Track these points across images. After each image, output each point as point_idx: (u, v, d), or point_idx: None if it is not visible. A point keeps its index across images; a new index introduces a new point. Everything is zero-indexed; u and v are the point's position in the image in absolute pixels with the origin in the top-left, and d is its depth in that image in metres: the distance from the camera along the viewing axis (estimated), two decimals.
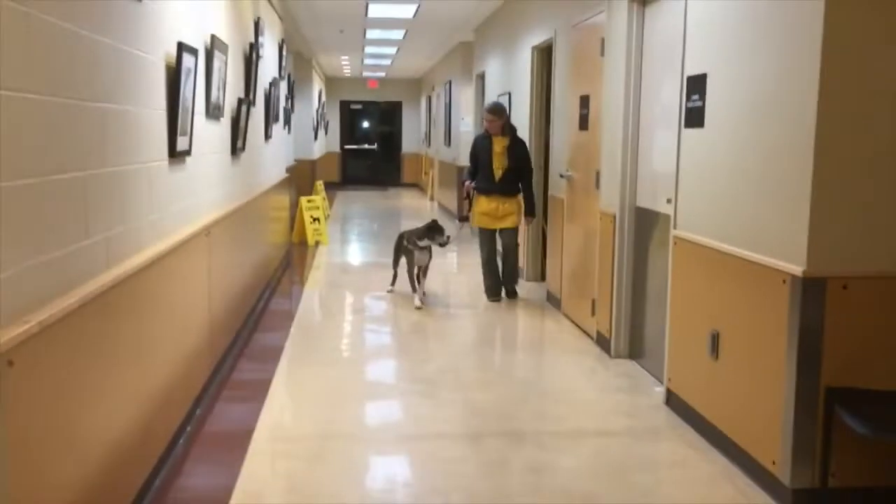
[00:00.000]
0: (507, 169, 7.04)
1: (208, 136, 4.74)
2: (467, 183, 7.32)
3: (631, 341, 5.44)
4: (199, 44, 4.36)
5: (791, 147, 3.24)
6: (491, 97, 10.98)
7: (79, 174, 2.58)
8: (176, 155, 3.84)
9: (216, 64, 4.70)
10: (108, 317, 2.76)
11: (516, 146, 7.14)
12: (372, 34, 13.10)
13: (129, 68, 3.16)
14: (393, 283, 7.52)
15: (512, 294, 7.36)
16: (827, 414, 3.16)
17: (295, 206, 11.42)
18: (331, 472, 3.66)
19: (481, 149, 7.22)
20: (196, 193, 4.42)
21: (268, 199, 7.82)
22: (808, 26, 3.12)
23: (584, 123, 6.23)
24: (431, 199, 18.69)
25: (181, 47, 3.76)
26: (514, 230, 7.22)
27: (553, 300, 7.15)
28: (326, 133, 21.89)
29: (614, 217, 5.42)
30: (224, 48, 5.02)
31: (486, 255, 7.27)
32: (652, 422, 4.33)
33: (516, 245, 7.33)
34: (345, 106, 23.50)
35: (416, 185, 22.73)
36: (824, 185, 3.11)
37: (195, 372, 4.21)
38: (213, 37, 4.63)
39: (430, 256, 7.08)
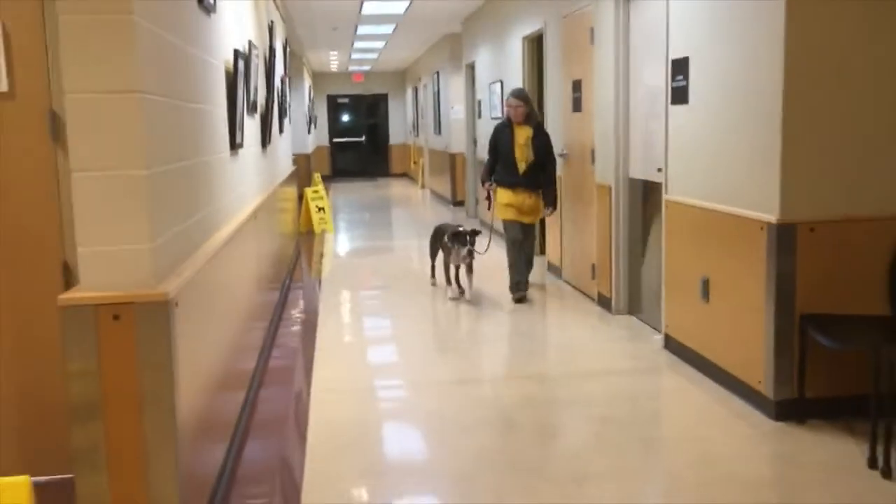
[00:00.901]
0: (532, 162, 6.50)
1: (249, 131, 5.33)
2: (487, 185, 6.79)
3: (629, 298, 6.09)
4: (243, 48, 4.94)
5: (763, 116, 3.88)
6: (482, 87, 11.59)
7: (187, 163, 3.17)
8: (235, 147, 4.43)
9: (253, 66, 5.28)
10: (214, 278, 3.36)
11: (540, 137, 6.57)
12: (363, 30, 13.64)
13: (205, 73, 3.74)
14: (433, 276, 7.32)
15: (520, 287, 6.80)
16: (801, 337, 3.81)
17: (299, 197, 11.99)
18: (384, 408, 4.28)
19: (502, 138, 6.63)
20: (245, 182, 5.00)
21: (283, 190, 8.40)
22: (774, 13, 3.76)
23: (577, 106, 6.85)
24: (423, 187, 19.27)
25: (236, 53, 4.34)
26: (533, 227, 6.97)
27: (554, 269, 7.79)
28: (315, 127, 22.40)
29: (610, 188, 6.05)
30: (257, 52, 5.60)
31: (511, 245, 6.71)
32: (653, 362, 4.98)
33: (534, 240, 7.12)
34: (332, 100, 24.01)
35: (405, 175, 23.30)
36: (791, 147, 3.75)
37: (256, 332, 4.83)
38: (249, 42, 5.21)
39: (473, 256, 6.58)
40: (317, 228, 11.38)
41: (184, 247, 2.94)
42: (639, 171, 5.80)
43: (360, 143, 24.39)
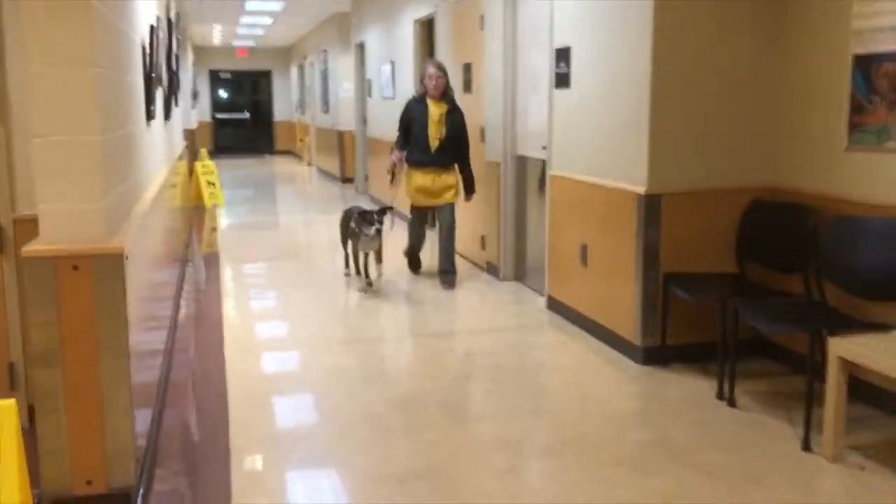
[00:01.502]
0: (445, 139, 6.27)
1: (157, 104, 5.51)
2: (395, 153, 6.51)
3: (515, 266, 6.64)
4: (155, 22, 5.12)
5: (634, 100, 4.45)
6: (372, 67, 11.91)
7: (123, 131, 3.42)
8: (149, 118, 4.65)
9: (160, 40, 5.46)
10: (147, 232, 3.63)
11: (455, 114, 6.36)
12: (251, 6, 13.66)
13: (129, 47, 3.96)
14: (347, 265, 6.81)
15: (448, 280, 6.47)
16: (665, 293, 4.42)
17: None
18: (289, 364, 4.64)
19: (415, 114, 6.36)
20: (154, 153, 5.20)
21: (178, 164, 8.50)
22: (643, 10, 4.32)
23: (467, 87, 7.32)
24: (309, 164, 19.39)
25: (151, 28, 4.55)
26: (453, 207, 6.47)
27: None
28: (198, 102, 22.04)
29: (498, 164, 6.57)
30: (162, 26, 5.77)
31: (414, 238, 6.71)
32: (537, 321, 5.53)
33: (453, 223, 6.50)
34: (214, 75, 23.63)
35: (290, 153, 23.27)
36: (657, 127, 4.33)
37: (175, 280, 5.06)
38: (157, 17, 5.38)
39: (380, 242, 6.23)
40: (207, 203, 11.44)
41: (123, 209, 3.20)
42: (525, 149, 6.34)
43: (244, 119, 24.15)
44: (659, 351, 4.47)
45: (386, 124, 11.17)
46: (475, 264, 7.28)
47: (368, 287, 6.32)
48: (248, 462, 3.39)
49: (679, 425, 3.72)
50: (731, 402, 3.90)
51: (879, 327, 3.40)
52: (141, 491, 2.90)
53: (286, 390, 4.28)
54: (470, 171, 6.43)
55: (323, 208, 12.21)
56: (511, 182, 6.54)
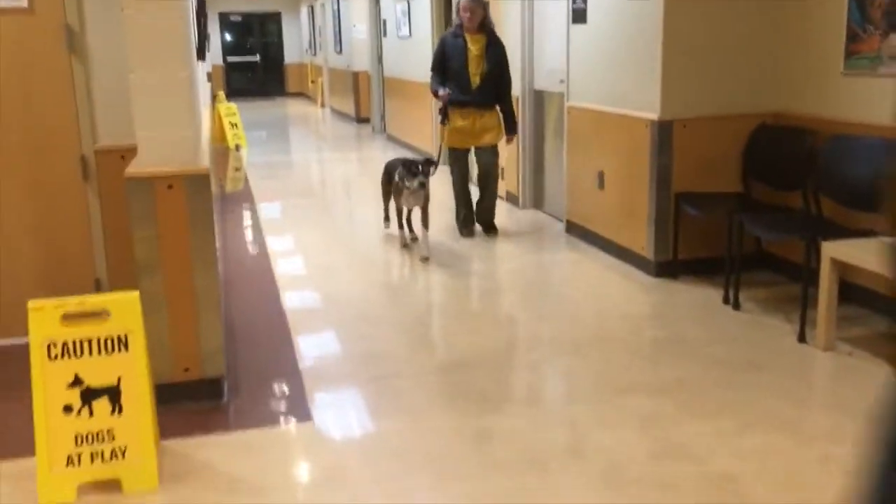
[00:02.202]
0: (486, 75, 5.82)
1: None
2: (443, 91, 5.87)
3: (534, 195, 7.06)
4: None
5: (647, 33, 4.81)
6: (386, 6, 12.15)
7: (195, 68, 3.82)
8: (200, 58, 5.03)
9: None
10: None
11: (495, 47, 5.90)
12: None
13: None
14: (387, 218, 6.28)
15: (490, 229, 6.18)
16: (676, 211, 4.84)
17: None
18: (328, 290, 5.13)
19: (453, 50, 5.88)
20: (202, 92, 5.60)
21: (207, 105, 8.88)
22: None
23: None
24: (322, 105, 19.67)
25: None
26: (495, 149, 6.06)
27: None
28: (210, 45, 22.22)
29: (517, 99, 6.93)
30: None
31: (459, 179, 6.14)
32: (557, 242, 5.98)
33: (496, 167, 6.15)
34: (224, 18, 23.74)
35: (301, 94, 23.51)
36: (669, 58, 4.70)
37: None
38: None
39: (426, 197, 5.52)
40: (231, 143, 11.83)
41: (200, 138, 3.63)
42: (543, 83, 6.70)
43: (255, 62, 24.32)
44: (670, 264, 4.92)
45: (402, 64, 11.49)
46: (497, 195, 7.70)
47: (413, 241, 5.84)
48: (304, 341, 3.88)
49: (688, 325, 4.18)
50: (736, 306, 4.36)
51: (867, 233, 3.82)
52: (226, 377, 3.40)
53: (330, 296, 4.76)
54: (512, 109, 6.09)
55: (340, 147, 12.59)
56: (530, 115, 6.92)
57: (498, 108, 6.02)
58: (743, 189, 4.85)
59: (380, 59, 13.21)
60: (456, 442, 3.02)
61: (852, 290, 4.12)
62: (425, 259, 5.45)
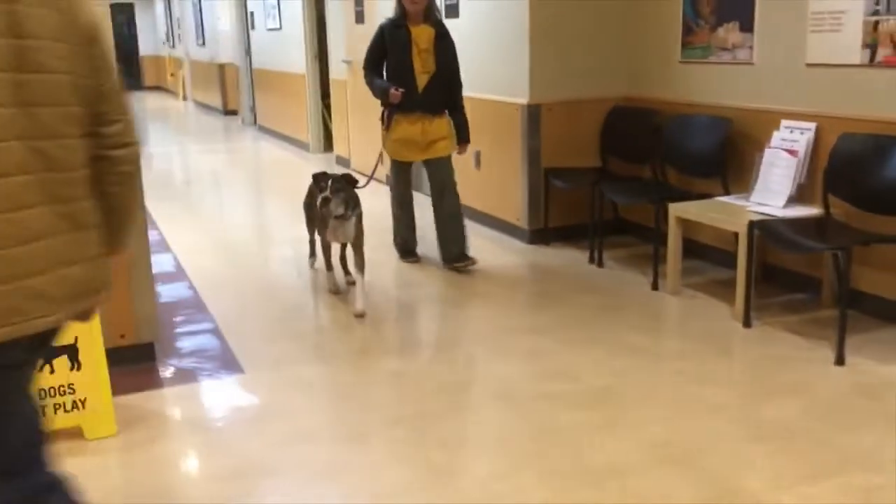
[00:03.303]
0: (435, 74, 4.88)
1: None
2: (395, 90, 4.82)
3: (415, 178, 7.56)
4: None
5: (517, 29, 5.41)
6: None
7: None
8: None
9: None
10: None
11: (445, 41, 4.96)
12: None
13: None
14: (312, 253, 5.13)
15: (462, 259, 5.01)
16: (546, 184, 5.48)
17: None
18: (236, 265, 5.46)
19: (394, 44, 4.90)
20: None
21: None
22: None
23: (360, 18, 8.07)
24: (184, 98, 19.42)
25: None
26: (448, 160, 5.04)
27: (342, 161, 9.09)
28: None
29: None
30: None
31: (398, 196, 5.26)
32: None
33: (453, 183, 5.06)
34: None
35: (160, 88, 23.03)
36: (535, 48, 5.32)
37: None
38: None
39: (358, 231, 4.38)
40: None
41: None
42: None
43: None
44: (542, 232, 5.56)
45: (273, 56, 11.71)
46: (376, 179, 8.15)
47: (350, 285, 4.68)
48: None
49: (560, 281, 4.82)
50: (600, 265, 5.05)
51: (705, 196, 4.57)
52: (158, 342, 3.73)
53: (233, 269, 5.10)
54: (464, 113, 5.08)
55: (208, 139, 12.63)
56: None
57: (447, 114, 5.01)
58: (601, 163, 5.54)
59: (247, 52, 13.34)
60: (375, 380, 3.49)
61: (694, 247, 4.87)
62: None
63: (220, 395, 3.43)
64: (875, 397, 3.19)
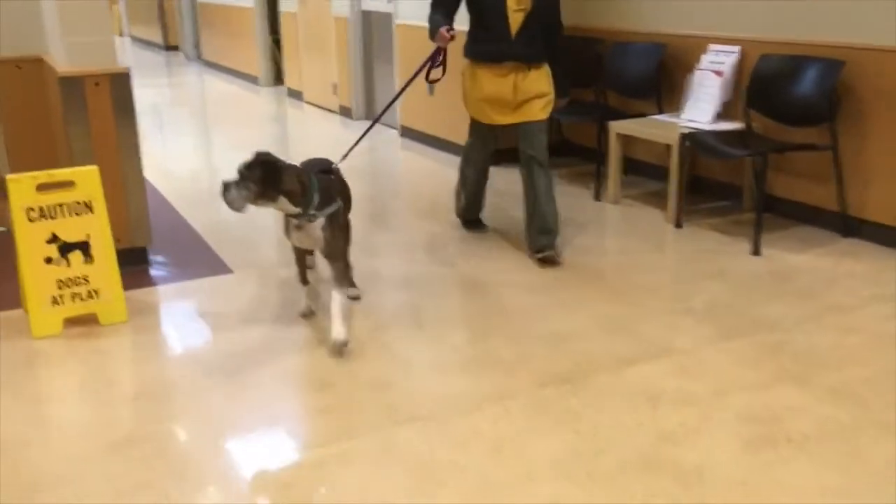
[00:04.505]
0: (531, 12, 3.85)
1: None
2: (445, 30, 3.80)
3: (366, 106, 7.90)
4: None
5: None
6: None
7: None
8: None
9: None
10: None
11: None
12: None
13: None
14: (303, 281, 3.51)
15: (549, 259, 3.95)
16: None
17: None
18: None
19: None
20: None
21: None
22: None
23: None
24: (121, 34, 19.09)
25: None
26: (544, 126, 4.00)
27: (294, 94, 9.33)
28: None
29: (346, 19, 7.68)
30: None
31: (473, 170, 4.37)
32: (394, 144, 6.90)
33: (546, 156, 4.01)
34: None
35: None
36: None
37: None
38: None
39: (329, 236, 3.11)
40: None
41: (113, 43, 4.16)
42: (370, 4, 7.49)
43: None
44: (495, 154, 5.98)
45: None
46: (328, 109, 8.46)
47: (309, 312, 3.45)
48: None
49: (511, 195, 5.27)
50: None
51: (642, 115, 5.05)
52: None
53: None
54: (565, 61, 4.18)
55: (149, 74, 12.58)
56: (359, 34, 7.70)
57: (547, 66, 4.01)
58: None
59: None
60: (356, 275, 3.92)
61: (631, 164, 5.36)
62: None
63: (215, 290, 3.81)
64: (784, 279, 3.75)
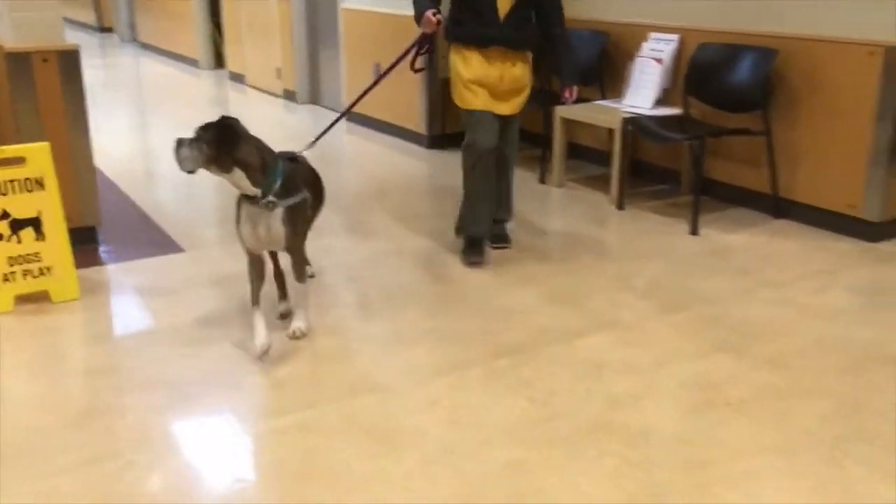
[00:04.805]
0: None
1: None
2: (430, 13, 3.52)
3: (311, 91, 7.90)
4: None
5: None
6: None
7: None
8: None
9: None
10: None
11: None
12: None
13: None
14: (254, 301, 2.97)
15: (501, 239, 4.00)
16: (443, 93, 5.97)
17: None
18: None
19: None
20: None
21: None
22: None
23: None
24: None
25: None
26: (515, 121, 3.87)
27: (237, 77, 9.25)
28: None
29: (290, 2, 7.66)
30: None
31: (482, 166, 3.76)
32: (339, 128, 6.88)
33: (515, 149, 3.96)
34: None
35: None
36: None
37: None
38: None
39: (290, 230, 2.84)
40: None
41: (61, 20, 4.10)
42: None
43: None
44: (440, 138, 6.08)
45: None
46: (271, 94, 8.42)
47: (283, 318, 3.19)
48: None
49: (458, 178, 5.36)
50: None
51: (586, 101, 5.19)
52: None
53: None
54: (570, 49, 3.90)
55: (84, 55, 12.34)
56: (303, 17, 7.69)
57: (551, 47, 3.83)
58: None
59: None
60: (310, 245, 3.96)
61: (574, 149, 5.51)
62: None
63: (167, 268, 3.81)
64: (721, 257, 3.93)
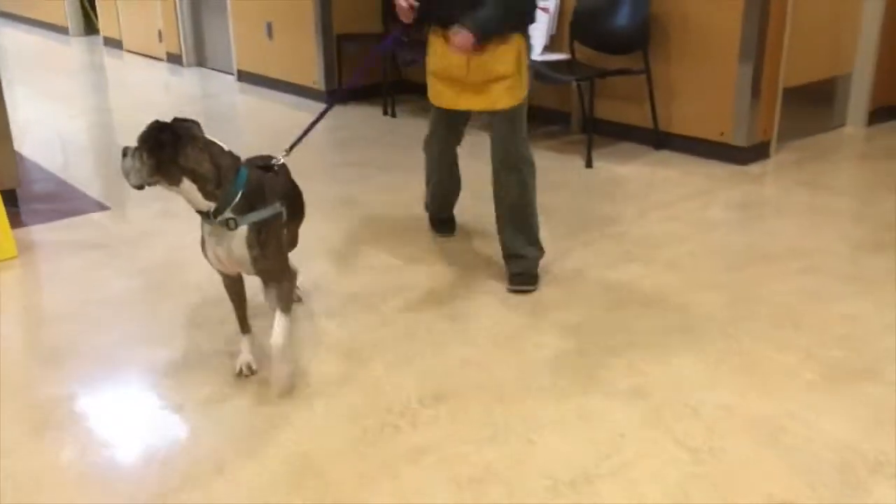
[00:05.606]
0: None
1: None
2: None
3: (197, 53, 7.86)
4: None
5: None
6: None
7: None
8: None
9: None
10: None
11: None
12: None
13: None
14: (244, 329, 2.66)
15: (522, 280, 3.14)
16: (338, 49, 6.15)
17: None
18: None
19: None
20: None
21: None
22: None
23: None
24: None
25: None
26: (517, 115, 3.09)
27: (113, 43, 9.03)
28: None
29: None
30: None
31: (436, 166, 3.57)
32: (232, 91, 6.97)
33: (522, 154, 3.15)
34: None
35: None
36: None
37: None
38: None
39: (256, 255, 2.35)
40: None
41: None
42: None
43: None
44: (339, 93, 6.26)
45: None
46: (153, 57, 8.31)
47: (249, 370, 2.59)
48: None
49: (363, 129, 5.61)
50: (393, 115, 5.89)
51: None
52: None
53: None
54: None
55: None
56: None
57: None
58: (384, 30, 6.30)
59: None
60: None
61: None
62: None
63: (98, 225, 3.90)
64: (616, 185, 4.37)
